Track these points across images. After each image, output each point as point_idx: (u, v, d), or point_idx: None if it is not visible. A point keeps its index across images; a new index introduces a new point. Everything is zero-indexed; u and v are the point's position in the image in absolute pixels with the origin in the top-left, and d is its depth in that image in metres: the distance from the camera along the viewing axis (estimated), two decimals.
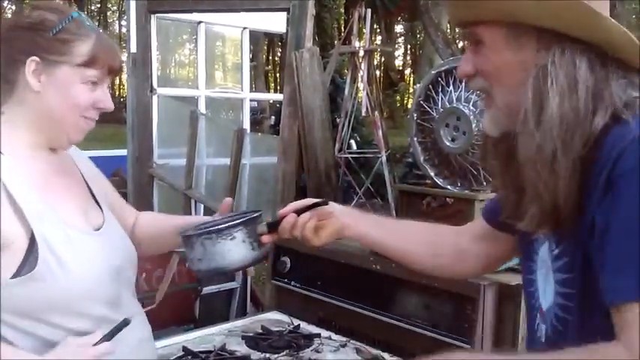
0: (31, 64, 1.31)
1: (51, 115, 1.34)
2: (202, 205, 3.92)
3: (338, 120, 5.42)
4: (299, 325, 2.31)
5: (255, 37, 15.17)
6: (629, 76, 1.02)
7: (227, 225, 1.37)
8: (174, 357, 1.97)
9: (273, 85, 25.45)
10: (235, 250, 1.36)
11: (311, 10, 2.99)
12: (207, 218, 1.55)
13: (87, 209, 1.44)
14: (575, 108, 0.98)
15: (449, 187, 2.36)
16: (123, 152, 4.21)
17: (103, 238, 1.41)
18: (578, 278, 1.01)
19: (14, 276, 1.25)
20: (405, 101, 22.31)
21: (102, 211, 1.48)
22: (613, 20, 1.01)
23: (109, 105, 1.38)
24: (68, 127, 1.36)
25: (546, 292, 1.12)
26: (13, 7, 22.90)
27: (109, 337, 1.31)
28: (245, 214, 1.47)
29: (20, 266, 1.26)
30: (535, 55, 1.03)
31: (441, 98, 2.33)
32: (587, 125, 0.97)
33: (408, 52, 32.70)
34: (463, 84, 2.28)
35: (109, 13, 34.11)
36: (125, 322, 1.34)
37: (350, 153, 5.76)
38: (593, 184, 0.95)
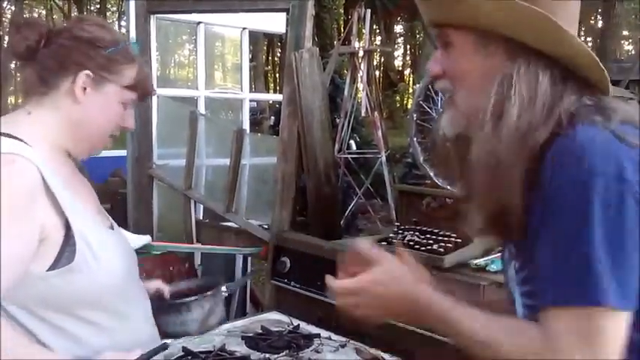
0: (83, 76, 1.37)
1: (85, 126, 1.41)
2: (201, 206, 3.92)
3: (337, 120, 5.43)
4: (299, 325, 2.31)
5: (255, 37, 15.19)
6: (585, 93, 1.04)
7: None
8: (174, 357, 1.97)
9: (272, 85, 25.45)
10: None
11: (310, 11, 2.99)
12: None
13: (99, 209, 1.50)
14: (529, 121, 1.00)
15: (448, 187, 2.37)
16: (122, 153, 4.20)
17: (118, 237, 1.49)
18: (534, 292, 1.04)
19: (51, 268, 1.27)
20: (405, 101, 22.30)
21: (105, 213, 1.54)
22: (579, 40, 1.03)
23: (133, 126, 1.51)
24: (97, 139, 1.44)
25: (517, 307, 1.14)
26: (13, 8, 22.91)
27: (146, 357, 1.33)
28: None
29: (57, 258, 1.28)
30: (501, 63, 1.04)
31: (441, 98, 2.33)
32: (536, 137, 0.99)
33: (408, 52, 32.71)
34: None
35: (108, 14, 34.12)
36: (164, 347, 1.38)
37: (349, 153, 5.77)
38: (538, 195, 0.98)
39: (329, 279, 1.27)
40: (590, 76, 1.04)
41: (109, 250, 1.37)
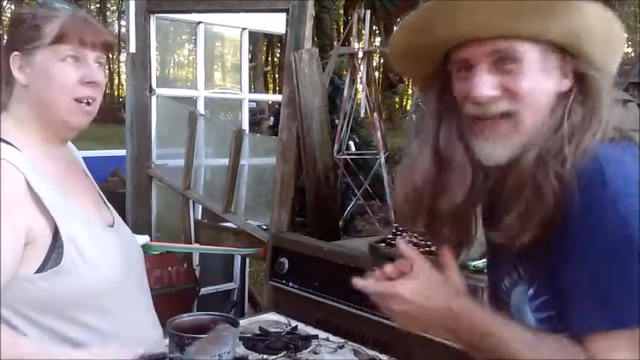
0: (15, 59, 1.34)
1: (43, 104, 1.35)
2: (200, 206, 3.92)
3: (337, 121, 5.43)
4: (297, 326, 2.31)
5: (255, 37, 15.18)
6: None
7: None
8: (171, 355, 1.97)
9: (272, 85, 25.45)
10: None
11: (310, 11, 2.99)
12: None
13: (99, 206, 1.47)
14: (583, 135, 0.97)
15: None
16: (121, 152, 4.20)
17: (117, 235, 1.44)
18: (558, 315, 1.01)
19: (39, 271, 1.26)
20: (404, 102, 22.31)
21: (109, 209, 1.51)
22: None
23: (97, 77, 1.35)
24: (62, 111, 1.35)
25: None
26: (12, 7, 22.89)
27: None
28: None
29: (44, 261, 1.27)
30: (559, 81, 1.01)
31: None
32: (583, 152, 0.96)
33: None
34: None
35: (108, 13, 34.12)
36: (162, 356, 1.36)
37: (349, 154, 5.77)
38: (562, 221, 0.95)
39: (359, 281, 1.18)
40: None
41: (102, 250, 1.35)
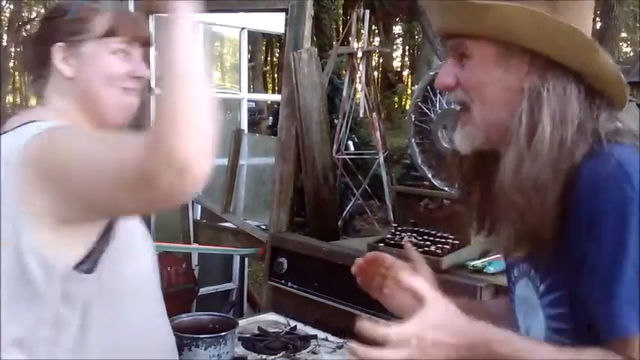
0: (58, 50, 1.33)
1: (89, 96, 1.35)
2: (199, 206, 3.92)
3: (336, 121, 5.42)
4: (296, 326, 2.31)
5: (254, 37, 15.18)
6: (611, 110, 1.02)
7: None
8: None
9: (271, 85, 25.44)
10: None
11: (309, 11, 2.98)
12: None
13: None
14: (563, 138, 0.96)
15: (446, 188, 2.36)
16: None
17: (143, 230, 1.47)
18: (570, 314, 1.00)
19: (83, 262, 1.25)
20: (403, 102, 22.31)
21: None
22: (607, 56, 1.01)
23: (144, 72, 1.39)
24: (109, 103, 1.36)
25: (531, 330, 1.10)
26: (12, 7, 22.86)
27: None
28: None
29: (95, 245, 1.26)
30: (523, 77, 1.01)
31: (439, 99, 2.33)
32: (571, 155, 0.96)
33: (406, 53, 32.72)
34: None
35: None
36: None
37: (348, 154, 5.77)
38: (573, 218, 0.95)
39: (368, 326, 1.03)
40: (611, 93, 1.02)
41: (140, 245, 1.40)
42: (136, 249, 1.41)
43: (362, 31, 5.53)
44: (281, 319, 2.39)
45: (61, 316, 1.24)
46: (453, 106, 2.28)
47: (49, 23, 1.37)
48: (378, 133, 5.29)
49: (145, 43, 1.41)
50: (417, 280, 1.02)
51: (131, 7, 3.85)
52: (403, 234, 2.27)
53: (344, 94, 5.38)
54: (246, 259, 4.10)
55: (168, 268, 3.51)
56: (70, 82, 1.34)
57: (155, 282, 1.48)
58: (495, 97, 1.03)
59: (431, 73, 2.42)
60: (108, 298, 1.29)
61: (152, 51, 4.17)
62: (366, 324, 1.01)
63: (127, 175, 1.03)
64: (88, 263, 1.24)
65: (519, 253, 1.04)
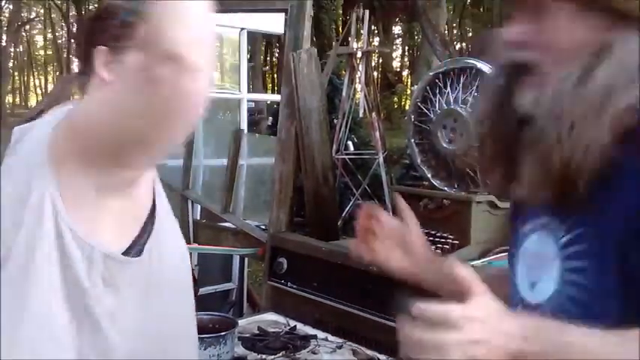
0: (101, 54, 1.30)
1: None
2: (199, 206, 3.92)
3: (335, 121, 5.42)
4: (295, 326, 2.31)
5: (253, 37, 15.18)
6: None
7: None
8: None
9: (270, 85, 25.43)
10: None
11: (309, 11, 2.99)
12: None
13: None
14: (615, 84, 0.92)
15: (446, 188, 2.37)
16: None
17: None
18: (592, 267, 0.96)
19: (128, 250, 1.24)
20: (403, 102, 22.30)
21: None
22: None
23: None
24: None
25: (538, 284, 1.05)
26: (11, 6, 22.87)
27: None
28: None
29: (139, 235, 1.27)
30: (599, 35, 0.96)
31: (439, 100, 2.33)
32: (622, 101, 0.92)
33: (406, 53, 32.74)
34: (461, 85, 2.28)
35: None
36: None
37: (347, 154, 5.77)
38: (631, 169, 0.91)
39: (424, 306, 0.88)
40: None
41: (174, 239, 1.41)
42: (171, 236, 1.41)
43: (361, 31, 5.54)
44: (281, 319, 2.39)
45: (101, 301, 1.20)
46: (452, 107, 2.28)
47: (96, 24, 1.33)
48: (377, 133, 5.29)
49: None
50: (467, 272, 0.93)
51: None
52: None
53: (343, 94, 5.39)
54: (246, 259, 4.10)
55: None
56: (103, 85, 1.30)
57: (186, 271, 1.47)
58: (572, 58, 0.97)
59: (430, 74, 2.42)
60: (147, 283, 1.28)
61: None
62: (422, 305, 0.87)
63: (139, 93, 1.02)
64: (136, 248, 1.24)
65: (546, 199, 0.98)
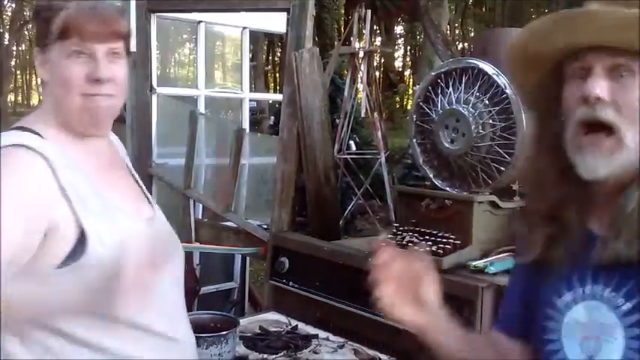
0: (36, 54, 1.30)
1: (57, 103, 1.29)
2: (201, 205, 3.92)
3: (337, 121, 5.43)
4: (297, 325, 2.31)
5: (255, 37, 15.18)
6: None
7: None
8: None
9: (272, 85, 25.44)
10: None
11: (311, 11, 2.99)
12: None
13: (138, 200, 1.41)
14: None
15: (448, 188, 2.36)
16: None
17: (152, 229, 1.37)
18: None
19: (62, 265, 1.19)
20: (405, 102, 22.30)
21: (151, 204, 1.45)
22: None
23: (103, 74, 1.26)
24: (74, 110, 1.27)
25: (598, 355, 1.06)
26: (14, 5, 22.89)
27: None
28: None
29: (69, 255, 1.20)
30: None
31: (441, 100, 2.33)
32: None
33: (408, 53, 32.71)
34: (462, 85, 2.27)
35: None
36: None
37: (349, 154, 5.77)
38: None
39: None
40: None
41: (130, 240, 1.27)
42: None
43: (363, 31, 5.53)
44: (282, 318, 2.39)
45: None
46: (454, 107, 2.27)
47: (32, 24, 1.35)
48: (379, 133, 5.29)
49: (110, 37, 1.27)
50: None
51: (132, 6, 3.86)
52: (404, 234, 2.27)
53: (345, 93, 5.37)
54: (248, 259, 4.10)
55: None
56: (47, 86, 1.31)
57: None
58: None
59: (432, 73, 2.42)
60: None
61: (154, 51, 4.14)
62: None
63: None
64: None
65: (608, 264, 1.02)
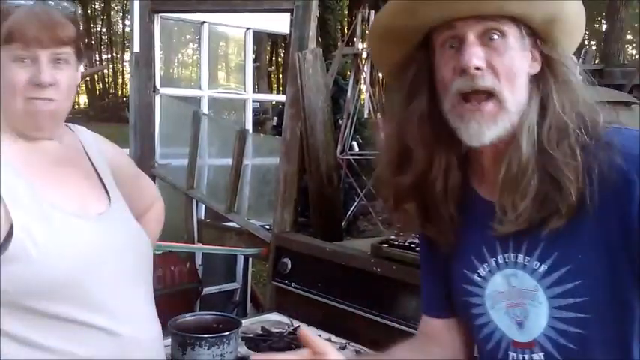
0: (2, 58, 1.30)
1: (4, 107, 1.31)
2: (203, 206, 3.92)
3: (340, 121, 5.43)
4: (299, 326, 2.31)
5: (259, 37, 15.20)
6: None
7: None
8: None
9: (275, 86, 25.46)
10: None
11: (314, 12, 2.99)
12: None
13: (87, 195, 1.40)
14: (575, 100, 1.01)
15: None
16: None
17: (100, 224, 1.36)
18: (588, 283, 0.99)
19: None
20: None
21: (109, 198, 1.43)
22: None
23: (45, 79, 1.27)
24: (17, 113, 1.30)
25: (526, 321, 1.06)
26: None
27: None
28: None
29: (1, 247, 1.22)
30: (530, 63, 1.04)
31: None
32: (590, 119, 1.00)
33: None
34: None
35: (112, 13, 34.18)
36: None
37: (352, 155, 5.77)
38: (612, 184, 0.95)
39: None
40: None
41: (65, 237, 1.27)
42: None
43: (367, 31, 5.53)
44: (284, 319, 2.39)
45: None
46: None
47: None
48: (382, 134, 5.29)
49: (54, 42, 1.28)
50: (317, 337, 1.04)
51: (136, 7, 3.87)
52: (405, 235, 2.27)
53: (348, 94, 5.39)
54: (250, 259, 4.10)
55: (172, 268, 3.52)
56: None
57: None
58: (521, 83, 1.02)
59: None
60: None
61: (157, 52, 4.15)
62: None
63: None
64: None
65: (552, 225, 1.00)
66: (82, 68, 1.40)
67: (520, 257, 1.05)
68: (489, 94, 1.00)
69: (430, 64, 1.07)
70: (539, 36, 1.05)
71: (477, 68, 0.99)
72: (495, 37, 1.00)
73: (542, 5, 1.01)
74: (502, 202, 1.03)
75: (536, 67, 1.04)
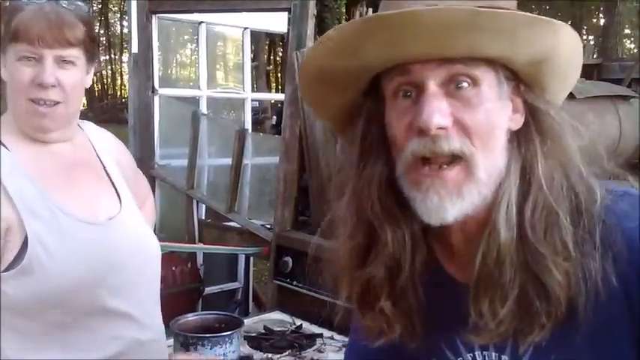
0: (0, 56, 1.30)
1: (11, 105, 1.31)
2: (204, 206, 3.92)
3: None
4: (301, 325, 2.31)
5: (257, 37, 15.18)
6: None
7: None
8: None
9: (274, 85, 25.44)
10: None
11: (312, 10, 2.99)
12: None
13: (98, 199, 1.39)
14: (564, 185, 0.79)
15: None
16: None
17: (111, 230, 1.35)
18: None
19: (7, 269, 1.21)
20: None
21: (119, 200, 1.42)
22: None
23: (46, 79, 1.24)
24: (21, 113, 1.29)
25: None
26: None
27: None
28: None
29: (14, 260, 1.21)
30: (511, 116, 0.81)
31: None
32: (584, 196, 0.79)
33: None
34: None
35: (110, 14, 34.13)
36: None
37: None
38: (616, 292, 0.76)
39: None
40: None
41: (75, 244, 1.26)
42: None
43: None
44: (286, 317, 2.39)
45: None
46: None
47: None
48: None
49: (61, 43, 1.26)
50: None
51: (133, 8, 3.87)
52: None
53: None
54: (252, 258, 4.10)
55: (174, 268, 3.52)
56: (8, 88, 1.31)
57: None
58: (498, 143, 0.79)
59: None
60: None
61: (155, 52, 4.15)
62: None
63: None
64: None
65: (534, 337, 0.79)
66: (92, 70, 1.37)
67: (504, 357, 0.85)
68: (455, 157, 0.77)
69: (380, 115, 0.83)
70: (521, 80, 0.81)
71: (441, 128, 0.75)
72: (464, 84, 0.76)
73: (528, 44, 0.76)
74: (478, 305, 0.79)
75: (519, 121, 0.81)
